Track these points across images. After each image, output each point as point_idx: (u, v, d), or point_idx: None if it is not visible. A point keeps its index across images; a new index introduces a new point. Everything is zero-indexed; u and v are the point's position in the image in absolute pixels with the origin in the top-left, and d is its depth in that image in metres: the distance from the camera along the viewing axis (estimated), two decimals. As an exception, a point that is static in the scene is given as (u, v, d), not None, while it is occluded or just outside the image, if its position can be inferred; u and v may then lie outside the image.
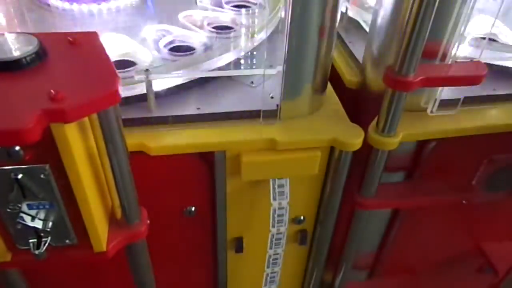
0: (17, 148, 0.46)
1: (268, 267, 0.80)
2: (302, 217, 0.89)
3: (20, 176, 0.48)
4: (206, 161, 0.76)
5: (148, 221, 0.65)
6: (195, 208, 0.83)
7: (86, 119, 0.52)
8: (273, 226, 0.71)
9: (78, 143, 0.49)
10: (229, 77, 0.81)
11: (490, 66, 0.82)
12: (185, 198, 0.82)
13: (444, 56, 0.73)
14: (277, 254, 0.77)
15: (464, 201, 0.99)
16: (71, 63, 0.49)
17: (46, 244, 0.54)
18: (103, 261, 0.59)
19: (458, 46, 0.72)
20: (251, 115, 0.74)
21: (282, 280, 0.96)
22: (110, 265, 0.90)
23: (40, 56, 0.48)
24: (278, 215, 0.73)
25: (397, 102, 0.70)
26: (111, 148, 0.52)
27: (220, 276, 0.99)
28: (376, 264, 1.16)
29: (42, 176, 0.49)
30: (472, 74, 0.69)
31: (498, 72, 0.85)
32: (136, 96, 0.71)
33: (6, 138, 0.41)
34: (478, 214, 1.06)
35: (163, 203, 0.80)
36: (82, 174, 0.50)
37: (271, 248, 0.75)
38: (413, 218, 1.02)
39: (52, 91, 0.43)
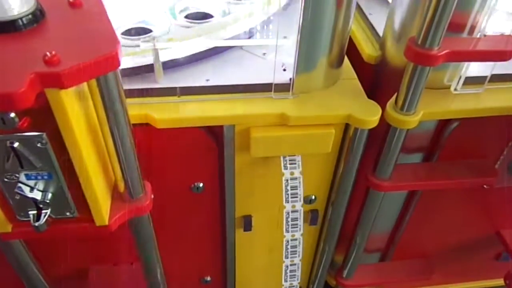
0: (12, 114, 0.44)
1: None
2: (313, 197, 0.86)
3: (16, 144, 0.46)
4: (215, 136, 0.74)
5: (153, 196, 0.63)
6: (203, 185, 0.81)
7: (85, 87, 0.49)
8: (287, 202, 0.67)
9: (76, 111, 0.47)
10: (241, 48, 0.77)
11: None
12: (192, 173, 0.80)
13: (472, 29, 0.68)
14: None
15: (485, 186, 0.95)
16: (70, 25, 0.46)
17: (46, 216, 0.53)
18: (106, 234, 0.58)
19: (487, 19, 0.66)
20: (262, 89, 0.71)
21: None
22: (116, 239, 0.89)
23: (37, 17, 0.45)
24: (292, 187, 0.69)
25: (418, 78, 0.65)
26: (112, 117, 0.49)
27: (229, 254, 0.97)
28: (388, 247, 1.13)
29: (39, 145, 0.47)
30: (501, 48, 0.63)
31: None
32: (144, 66, 0.68)
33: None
34: (499, 200, 1.01)
35: (170, 178, 0.78)
36: (82, 144, 0.48)
37: (287, 231, 0.72)
38: (430, 201, 0.98)
39: (47, 53, 0.41)
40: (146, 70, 0.68)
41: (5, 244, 0.65)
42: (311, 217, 0.90)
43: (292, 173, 0.69)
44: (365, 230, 0.92)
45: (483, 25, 0.67)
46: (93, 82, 0.47)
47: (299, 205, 0.70)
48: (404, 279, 1.10)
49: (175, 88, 0.69)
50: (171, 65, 0.70)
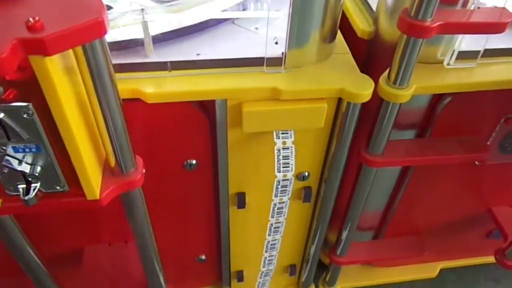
0: (-3, 83, 0.43)
1: (272, 216, 0.77)
2: (306, 173, 0.86)
3: (1, 115, 0.45)
4: (207, 111, 0.73)
5: (144, 171, 0.62)
6: (196, 162, 0.81)
7: (74, 62, 0.48)
8: (279, 171, 0.68)
9: (63, 82, 0.46)
10: (233, 23, 0.76)
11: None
12: (185, 150, 0.79)
13: (466, 2, 0.67)
14: (283, 202, 0.74)
15: (477, 162, 0.95)
16: (54, -7, 0.45)
17: (36, 190, 0.52)
18: (97, 209, 0.57)
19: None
20: (254, 63, 0.70)
21: (285, 238, 0.95)
22: (110, 218, 0.89)
23: (20, -16, 0.44)
24: (284, 157, 0.69)
25: (411, 51, 0.65)
26: (100, 89, 0.49)
27: (223, 232, 0.97)
28: (381, 225, 1.14)
29: (25, 116, 0.46)
30: (495, 20, 0.63)
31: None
32: (132, 40, 0.67)
33: (-21, 68, 0.38)
34: (490, 177, 1.02)
35: (162, 156, 0.77)
36: (69, 115, 0.47)
37: (276, 196, 0.72)
38: (422, 179, 0.98)
39: (30, 19, 0.40)
40: (134, 44, 0.67)
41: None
42: (305, 194, 0.89)
43: (284, 143, 0.69)
44: (358, 207, 0.92)
45: (477, -3, 0.66)
46: (80, 52, 0.46)
47: (290, 175, 0.70)
48: (396, 256, 1.11)
49: (166, 62, 0.68)
50: (161, 39, 0.69)
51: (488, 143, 0.89)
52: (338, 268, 1.16)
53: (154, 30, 0.67)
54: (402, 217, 1.09)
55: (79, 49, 0.45)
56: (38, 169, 0.51)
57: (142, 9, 0.62)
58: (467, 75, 0.74)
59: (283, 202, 0.75)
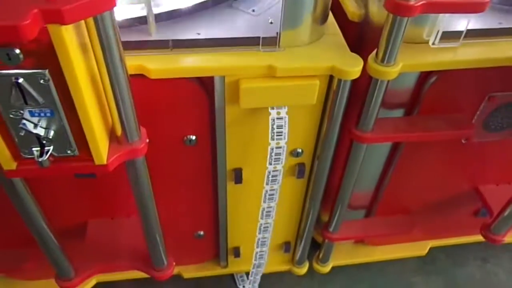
0: (17, 51, 0.47)
1: (267, 184, 0.82)
2: (300, 150, 0.91)
3: (20, 80, 0.50)
4: (206, 88, 0.77)
5: (148, 140, 0.67)
6: (195, 137, 0.85)
7: (87, 40, 0.53)
8: (272, 139, 0.72)
9: (77, 52, 0.50)
10: (230, 5, 0.80)
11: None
12: (185, 126, 0.84)
13: (449, -16, 0.72)
14: (277, 170, 0.79)
15: (463, 140, 1.00)
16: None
17: (49, 153, 0.57)
18: (104, 173, 0.62)
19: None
20: (251, 42, 0.75)
21: (279, 215, 0.99)
22: (113, 193, 0.94)
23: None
24: (278, 126, 0.73)
25: (397, 29, 0.69)
26: (109, 58, 0.53)
27: (221, 208, 1.02)
28: (372, 205, 1.19)
29: (42, 81, 0.50)
30: (473, 1, 0.67)
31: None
32: (136, 18, 0.71)
33: (4, 34, 0.42)
34: (477, 156, 1.07)
35: (164, 130, 0.82)
36: (81, 82, 0.52)
37: (270, 163, 0.77)
38: (411, 158, 1.03)
39: (48, -9, 0.44)
40: (138, 22, 0.71)
41: (12, 190, 0.69)
42: (298, 170, 0.94)
43: (278, 113, 0.73)
44: (350, 183, 0.97)
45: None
46: (93, 26, 0.50)
47: (283, 143, 0.74)
48: (386, 233, 1.17)
49: (168, 40, 0.72)
50: (163, 18, 0.73)
51: (473, 121, 0.94)
52: (331, 246, 1.21)
53: (157, 10, 0.71)
54: (392, 196, 1.14)
55: (91, 24, 0.50)
56: (52, 133, 0.55)
57: (145, -11, 0.66)
58: (451, 54, 0.78)
59: (277, 170, 0.79)
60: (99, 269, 0.94)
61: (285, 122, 0.74)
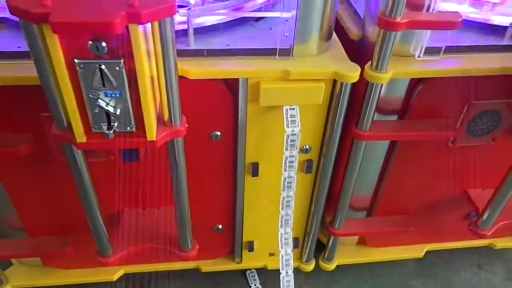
0: (104, 44, 0.65)
1: (285, 170, 0.97)
2: (308, 147, 1.07)
3: (103, 67, 0.67)
4: (231, 90, 0.95)
5: (187, 125, 0.83)
6: (220, 133, 1.02)
7: (151, 45, 0.70)
8: (287, 127, 0.89)
9: (144, 49, 0.68)
10: (252, 25, 0.99)
11: (475, 22, 0.99)
12: (212, 122, 1.00)
13: (429, 8, 0.90)
14: (293, 156, 0.94)
15: (450, 143, 1.15)
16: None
17: (114, 127, 0.73)
18: (153, 148, 0.78)
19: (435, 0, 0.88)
20: (270, 52, 0.92)
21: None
22: (145, 187, 1.09)
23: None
24: (291, 115, 0.90)
25: (387, 42, 0.87)
26: (165, 53, 0.70)
27: (238, 200, 1.17)
28: (372, 206, 1.33)
29: (117, 68, 0.68)
30: (449, 20, 0.85)
31: (481, 27, 1.02)
32: (180, 31, 0.89)
33: (102, 28, 0.60)
34: (465, 160, 1.21)
35: (195, 126, 0.97)
36: (146, 71, 0.69)
37: (287, 149, 0.92)
38: (405, 163, 1.18)
39: (129, 0, 0.62)
40: (181, 34, 0.90)
41: (77, 170, 0.86)
42: (307, 165, 1.10)
43: (291, 107, 0.90)
44: (352, 179, 1.11)
45: (436, 4, 0.89)
46: (157, 28, 0.68)
47: (297, 130, 0.90)
48: (385, 230, 1.29)
49: (203, 50, 0.90)
50: (199, 32, 0.91)
51: (457, 126, 1.10)
52: (335, 244, 1.35)
53: (195, 26, 0.89)
54: (389, 198, 1.28)
55: (156, 27, 0.67)
56: (118, 111, 0.72)
57: (188, 9, 0.85)
58: (433, 64, 0.95)
59: (293, 156, 0.95)
60: (133, 250, 1.07)
61: (296, 112, 0.90)
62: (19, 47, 0.88)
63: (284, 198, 1.02)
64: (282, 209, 1.06)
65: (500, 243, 1.50)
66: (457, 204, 1.34)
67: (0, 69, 0.86)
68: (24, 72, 0.85)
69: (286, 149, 0.93)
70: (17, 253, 1.22)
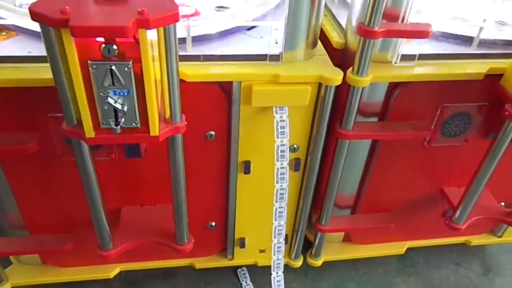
0: (115, 47, 0.73)
1: (277, 160, 1.05)
2: (296, 146, 1.15)
3: (113, 67, 0.75)
4: (225, 92, 1.03)
5: (186, 122, 0.91)
6: (214, 133, 1.10)
7: (156, 51, 0.78)
8: (276, 113, 0.97)
9: (150, 53, 0.76)
10: (244, 33, 1.08)
11: (446, 33, 1.10)
12: (208, 123, 1.08)
13: (403, 19, 1.00)
14: (284, 145, 1.02)
15: (426, 144, 1.25)
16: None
17: (121, 123, 0.81)
18: (155, 143, 0.85)
19: (409, 12, 0.99)
20: (261, 58, 1.01)
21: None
22: (143, 185, 1.16)
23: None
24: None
25: (367, 48, 0.96)
26: (168, 56, 0.78)
27: (231, 197, 1.24)
28: (355, 204, 1.41)
29: (126, 69, 0.75)
30: (421, 29, 0.95)
31: (451, 38, 1.13)
32: (179, 39, 0.97)
33: (116, 31, 0.68)
34: (441, 160, 1.31)
35: (191, 126, 1.05)
36: (151, 72, 0.77)
37: (277, 137, 1.01)
38: (385, 163, 1.27)
39: (139, 9, 0.70)
40: (179, 41, 0.98)
41: (83, 165, 0.93)
42: (295, 164, 1.18)
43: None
44: (336, 177, 1.20)
45: (409, 16, 0.99)
46: (161, 32, 0.76)
47: (285, 116, 0.99)
48: (368, 226, 1.38)
49: (200, 55, 0.99)
50: (196, 40, 1.00)
51: (432, 127, 1.20)
52: (322, 241, 1.42)
53: (193, 34, 0.98)
54: (371, 196, 1.37)
55: (161, 33, 0.76)
56: (125, 108, 0.80)
57: (188, 18, 0.94)
58: (408, 70, 1.06)
59: (284, 145, 1.03)
60: (132, 243, 1.14)
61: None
62: (29, 52, 0.96)
63: (277, 190, 1.10)
64: (276, 201, 1.13)
65: (475, 240, 1.60)
66: (434, 202, 1.43)
67: (11, 72, 0.93)
68: (33, 75, 0.92)
69: (277, 137, 1.01)
70: (18, 250, 1.27)
